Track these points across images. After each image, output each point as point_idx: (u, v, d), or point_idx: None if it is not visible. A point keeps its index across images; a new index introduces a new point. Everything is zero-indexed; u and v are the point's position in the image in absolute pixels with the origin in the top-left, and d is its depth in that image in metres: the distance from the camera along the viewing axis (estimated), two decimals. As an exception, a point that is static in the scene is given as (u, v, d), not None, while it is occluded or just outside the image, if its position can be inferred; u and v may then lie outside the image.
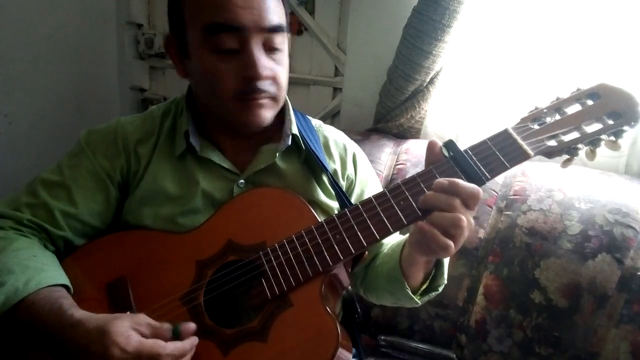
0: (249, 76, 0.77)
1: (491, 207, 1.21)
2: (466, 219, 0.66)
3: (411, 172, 1.32)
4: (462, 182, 0.67)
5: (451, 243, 0.66)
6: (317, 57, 1.75)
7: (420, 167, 1.31)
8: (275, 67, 0.80)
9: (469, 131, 1.45)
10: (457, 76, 1.44)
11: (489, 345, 1.14)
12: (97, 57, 2.02)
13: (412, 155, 1.36)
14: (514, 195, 1.20)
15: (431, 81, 1.43)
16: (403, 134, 1.52)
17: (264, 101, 0.80)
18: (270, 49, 0.79)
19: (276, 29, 0.78)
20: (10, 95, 1.74)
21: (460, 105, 1.45)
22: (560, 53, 1.29)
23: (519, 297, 1.11)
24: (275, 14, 0.78)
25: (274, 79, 0.80)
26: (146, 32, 2.07)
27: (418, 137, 1.53)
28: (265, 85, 0.79)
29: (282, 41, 0.80)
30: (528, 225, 1.15)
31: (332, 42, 1.70)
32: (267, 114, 0.82)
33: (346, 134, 1.02)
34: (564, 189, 1.16)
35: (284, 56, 0.82)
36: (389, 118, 1.51)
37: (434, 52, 1.34)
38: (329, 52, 1.70)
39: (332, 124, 1.72)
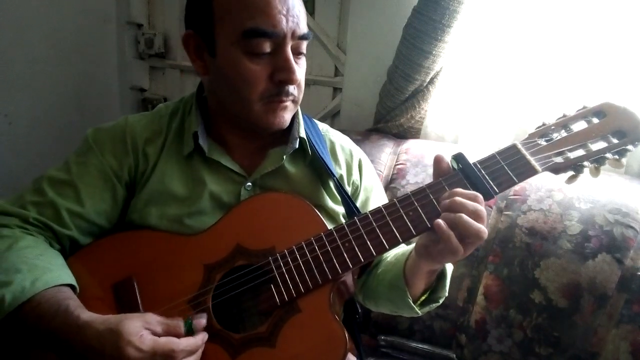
0: (285, 80, 0.78)
1: (491, 207, 1.22)
2: (467, 221, 0.67)
3: (411, 172, 1.32)
4: (461, 190, 0.70)
5: (462, 249, 0.67)
6: (317, 57, 1.75)
7: (421, 167, 1.32)
8: (300, 72, 0.81)
9: (468, 131, 1.45)
10: (457, 76, 1.44)
11: (489, 345, 1.14)
12: (97, 57, 2.03)
13: (412, 155, 1.36)
14: (514, 195, 1.20)
15: (431, 81, 1.43)
16: (403, 134, 1.52)
17: (288, 104, 0.82)
18: (297, 53, 0.80)
19: (306, 37, 0.80)
20: (10, 95, 1.74)
21: (460, 105, 1.45)
22: (560, 53, 1.29)
23: (519, 297, 1.11)
24: (305, 22, 0.80)
25: (298, 83, 0.82)
26: (146, 32, 2.07)
27: (418, 137, 1.53)
28: (292, 88, 0.81)
29: (306, 46, 0.82)
30: (528, 225, 1.15)
31: (332, 42, 1.70)
32: (288, 116, 0.84)
33: (346, 134, 1.02)
34: (564, 189, 1.16)
35: (305, 60, 0.84)
36: (389, 118, 1.51)
37: (434, 52, 1.34)
38: (329, 52, 1.70)
39: (332, 124, 1.73)
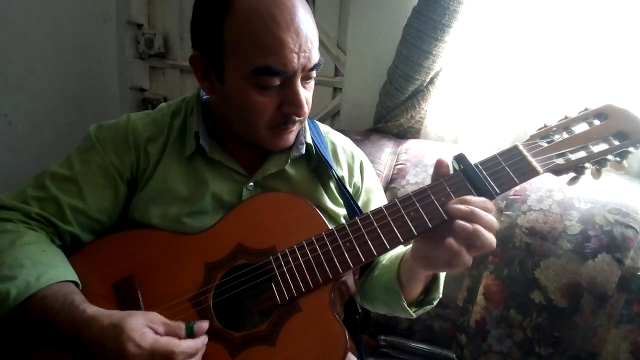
0: (293, 113, 0.79)
1: (491, 207, 1.21)
2: (484, 235, 0.66)
3: (411, 172, 1.32)
4: (474, 198, 0.69)
5: (470, 259, 0.67)
6: (317, 57, 1.75)
7: (421, 167, 1.32)
8: (308, 96, 0.81)
9: (468, 131, 1.45)
10: (457, 76, 1.44)
11: (489, 345, 1.14)
12: (97, 57, 2.02)
13: (412, 155, 1.36)
14: (514, 195, 1.20)
15: (431, 81, 1.43)
16: (403, 134, 1.52)
17: (295, 127, 0.83)
18: (307, 79, 0.80)
19: (317, 66, 0.79)
20: (10, 95, 1.74)
21: (460, 105, 1.45)
22: (561, 53, 1.29)
23: (519, 297, 1.11)
24: (317, 50, 0.78)
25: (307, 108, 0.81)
26: (146, 32, 2.07)
27: (418, 137, 1.53)
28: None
29: (316, 72, 0.81)
30: (528, 225, 1.15)
31: (332, 42, 1.70)
32: (293, 137, 0.85)
33: (346, 134, 1.03)
34: (564, 189, 1.16)
35: (313, 83, 0.83)
36: (389, 118, 1.51)
37: (434, 52, 1.34)
38: (329, 52, 1.70)
39: (332, 124, 1.73)
